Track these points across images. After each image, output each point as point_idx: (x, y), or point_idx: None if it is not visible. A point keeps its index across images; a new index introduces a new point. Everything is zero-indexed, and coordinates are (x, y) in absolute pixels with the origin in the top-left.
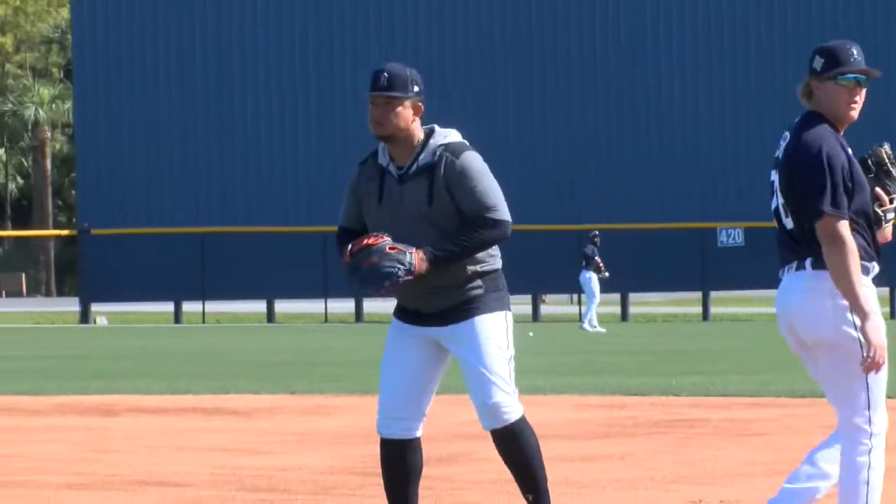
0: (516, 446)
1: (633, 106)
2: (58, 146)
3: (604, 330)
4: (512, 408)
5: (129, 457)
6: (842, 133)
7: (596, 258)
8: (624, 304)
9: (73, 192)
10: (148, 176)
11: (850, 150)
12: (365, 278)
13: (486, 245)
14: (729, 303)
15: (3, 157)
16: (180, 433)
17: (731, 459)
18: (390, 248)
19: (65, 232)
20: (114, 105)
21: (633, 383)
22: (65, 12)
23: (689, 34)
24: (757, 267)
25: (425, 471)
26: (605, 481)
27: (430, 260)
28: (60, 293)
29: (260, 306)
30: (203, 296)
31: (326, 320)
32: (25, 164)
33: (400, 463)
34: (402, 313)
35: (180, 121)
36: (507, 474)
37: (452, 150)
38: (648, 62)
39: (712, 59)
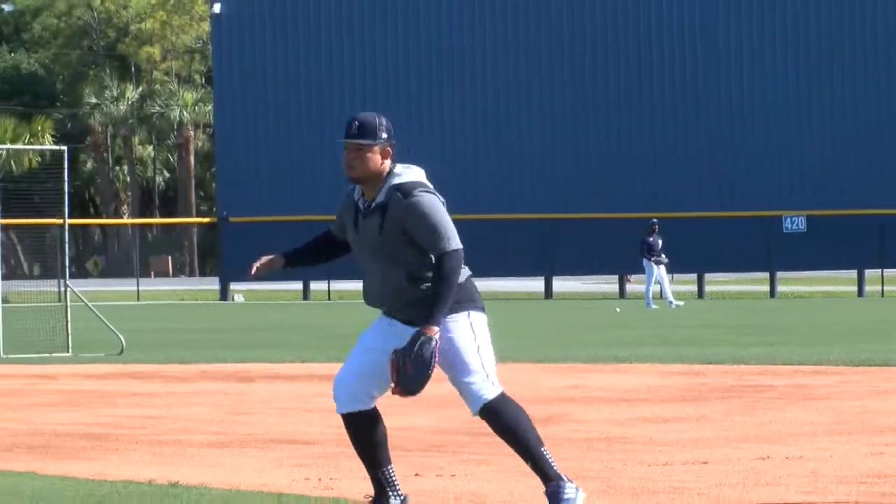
0: (500, 420)
1: (707, 107)
2: (200, 144)
3: (682, 303)
4: (485, 389)
5: (263, 418)
6: None
7: (655, 245)
8: (700, 283)
9: (214, 184)
10: (279, 170)
11: None
12: (416, 381)
13: (453, 279)
14: (793, 282)
15: (152, 154)
16: (308, 397)
17: (795, 421)
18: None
19: (206, 220)
20: (249, 107)
21: (708, 353)
22: (206, 25)
23: (756, 27)
24: (818, 250)
25: None
26: (684, 440)
27: (432, 327)
28: (202, 273)
29: None
30: (328, 275)
31: None
32: (171, 159)
33: (359, 431)
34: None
35: (308, 120)
36: (599, 434)
37: (403, 190)
38: (721, 58)
39: (777, 53)
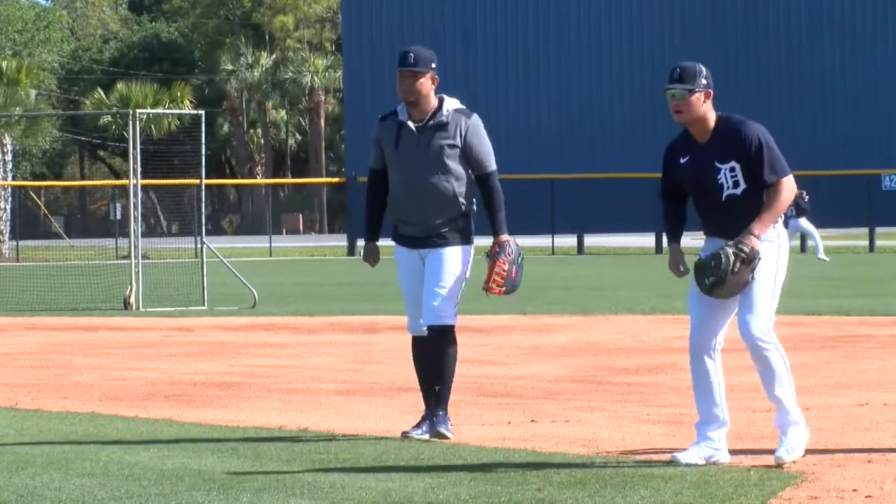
0: (443, 345)
1: (810, 74)
2: (330, 108)
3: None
4: (448, 315)
5: (388, 368)
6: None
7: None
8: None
9: (343, 146)
10: None
11: None
12: (517, 282)
13: (501, 193)
14: (892, 237)
15: (285, 118)
16: None
17: (894, 369)
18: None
19: (335, 180)
20: (376, 73)
21: (809, 305)
22: None
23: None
24: None
25: (636, 378)
26: None
27: (506, 234)
28: (331, 231)
29: None
30: None
31: (553, 253)
32: (303, 122)
33: (426, 353)
34: (401, 239)
35: None
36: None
37: (465, 111)
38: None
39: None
